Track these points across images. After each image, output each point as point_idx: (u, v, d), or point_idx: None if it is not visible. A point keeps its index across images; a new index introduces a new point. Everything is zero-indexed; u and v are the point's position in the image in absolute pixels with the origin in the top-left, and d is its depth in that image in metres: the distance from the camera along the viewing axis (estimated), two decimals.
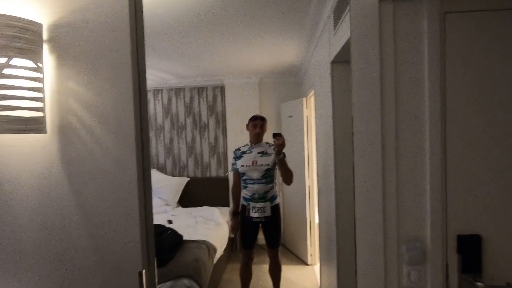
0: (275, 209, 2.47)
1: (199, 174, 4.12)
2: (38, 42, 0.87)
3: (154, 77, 3.75)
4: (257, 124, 2.45)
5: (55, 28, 0.90)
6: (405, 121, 0.94)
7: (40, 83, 0.88)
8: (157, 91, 4.12)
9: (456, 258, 0.94)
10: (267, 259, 2.65)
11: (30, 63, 0.85)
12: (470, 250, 0.94)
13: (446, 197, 0.94)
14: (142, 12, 0.96)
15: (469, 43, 0.92)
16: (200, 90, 4.08)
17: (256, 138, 2.46)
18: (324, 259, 2.64)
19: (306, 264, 3.43)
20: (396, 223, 0.95)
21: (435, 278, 0.94)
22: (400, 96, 0.94)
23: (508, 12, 0.90)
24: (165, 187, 3.84)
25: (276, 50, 2.87)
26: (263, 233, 2.53)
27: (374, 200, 0.94)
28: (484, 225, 0.94)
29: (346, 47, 1.50)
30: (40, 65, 0.88)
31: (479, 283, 0.89)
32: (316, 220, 3.24)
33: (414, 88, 0.94)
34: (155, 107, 4.13)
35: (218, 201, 3.92)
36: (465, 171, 0.93)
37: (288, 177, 2.40)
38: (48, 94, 0.92)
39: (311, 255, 3.43)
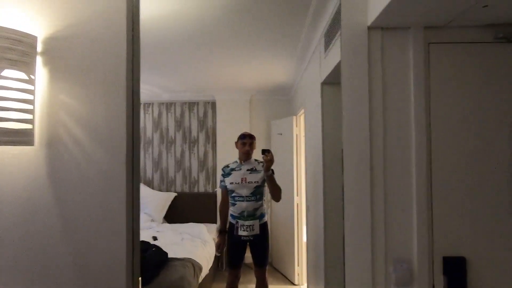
0: (264, 227, 2.44)
1: (187, 189, 4.05)
2: (32, 54, 0.87)
3: (145, 90, 3.75)
4: (246, 142, 2.46)
5: (51, 41, 0.91)
6: (393, 143, 0.97)
7: (31, 95, 0.87)
8: (147, 105, 4.10)
9: (442, 279, 0.95)
10: (254, 279, 2.59)
11: (22, 75, 0.84)
12: (455, 271, 0.95)
13: (432, 220, 0.96)
14: (139, 27, 0.98)
15: (450, 70, 0.97)
16: (191, 105, 4.08)
17: (246, 156, 2.46)
18: (311, 279, 2.60)
19: (293, 284, 3.36)
20: (384, 244, 0.96)
21: None
22: (388, 119, 0.97)
23: (484, 45, 0.96)
24: (151, 202, 3.74)
25: (267, 69, 2.94)
26: (251, 252, 2.48)
27: (363, 220, 0.95)
28: (468, 248, 0.96)
29: (336, 70, 1.55)
30: (32, 77, 0.87)
31: None
32: (304, 239, 3.21)
33: (401, 111, 0.98)
34: (145, 121, 4.09)
35: (206, 217, 3.85)
36: (450, 195, 0.96)
37: (276, 193, 2.40)
38: (39, 106, 0.90)
39: (298, 274, 3.37)
